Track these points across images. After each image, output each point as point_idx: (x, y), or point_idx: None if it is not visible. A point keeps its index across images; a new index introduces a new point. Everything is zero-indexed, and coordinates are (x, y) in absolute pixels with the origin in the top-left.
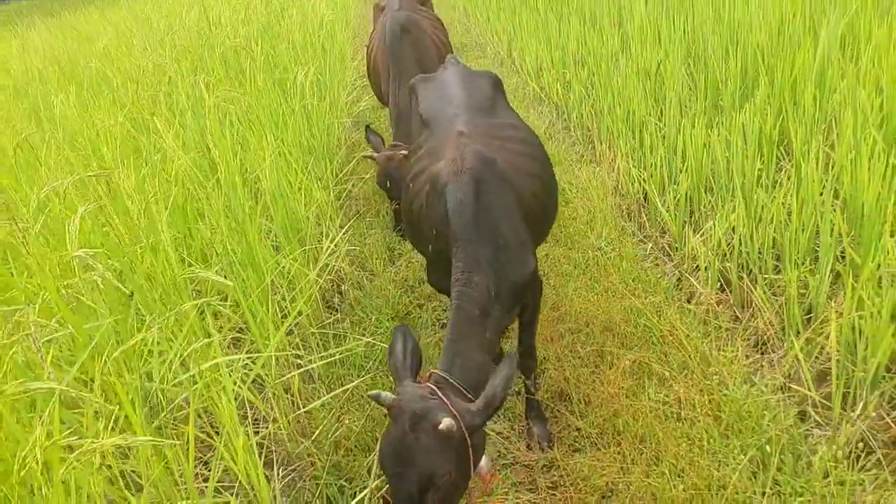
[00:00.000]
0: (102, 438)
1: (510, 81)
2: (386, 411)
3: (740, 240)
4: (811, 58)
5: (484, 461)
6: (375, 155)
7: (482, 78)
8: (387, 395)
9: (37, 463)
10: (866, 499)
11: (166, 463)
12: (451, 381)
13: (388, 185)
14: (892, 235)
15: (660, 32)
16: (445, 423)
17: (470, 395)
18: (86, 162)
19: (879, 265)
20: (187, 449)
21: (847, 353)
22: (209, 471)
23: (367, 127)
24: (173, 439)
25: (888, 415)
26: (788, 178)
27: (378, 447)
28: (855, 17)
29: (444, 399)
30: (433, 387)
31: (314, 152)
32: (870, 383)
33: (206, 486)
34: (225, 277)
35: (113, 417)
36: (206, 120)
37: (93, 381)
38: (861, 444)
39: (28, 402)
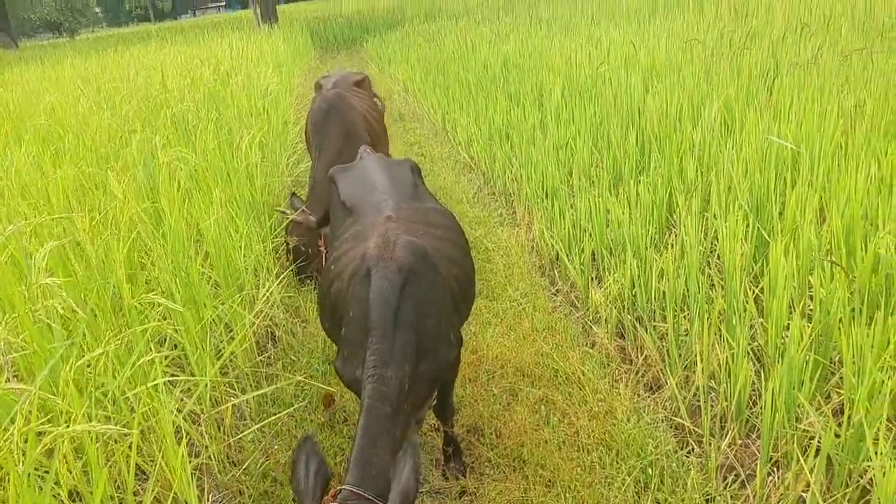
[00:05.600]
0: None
1: (444, 150)
2: None
3: (634, 293)
4: (692, 138)
5: None
6: (287, 212)
7: (402, 165)
8: None
9: (15, 446)
10: None
11: (112, 474)
12: (364, 494)
13: (290, 246)
14: (752, 289)
15: (573, 113)
16: None
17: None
18: (37, 210)
19: (736, 310)
20: (128, 457)
21: (715, 388)
22: (144, 492)
23: (293, 194)
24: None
25: (754, 443)
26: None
27: None
28: (734, 101)
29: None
30: (350, 493)
31: (256, 208)
32: (734, 413)
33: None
34: (165, 319)
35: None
36: (156, 174)
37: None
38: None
39: None
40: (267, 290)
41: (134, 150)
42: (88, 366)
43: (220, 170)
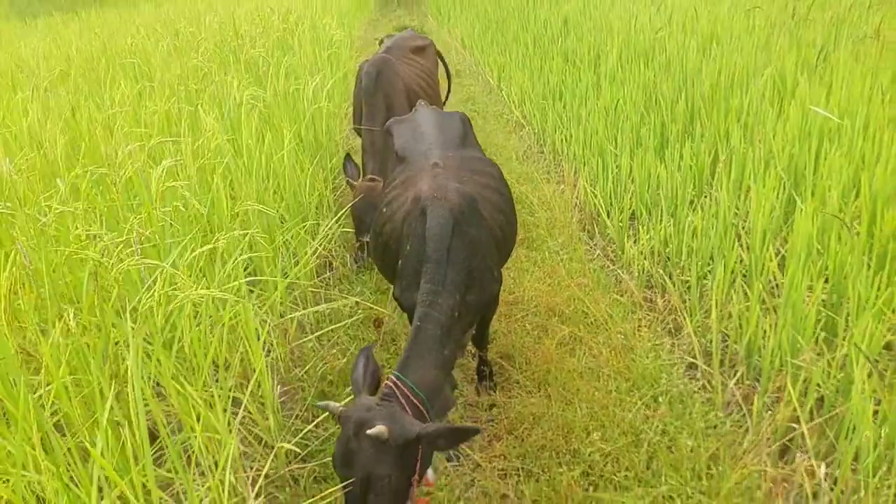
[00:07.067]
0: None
1: (497, 108)
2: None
3: (668, 250)
4: (742, 105)
5: (429, 473)
6: (356, 183)
7: (452, 116)
8: (335, 404)
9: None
10: (730, 440)
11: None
12: (401, 386)
13: (365, 215)
14: (776, 255)
15: (628, 76)
16: (377, 429)
17: (421, 397)
18: (141, 136)
19: (755, 265)
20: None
21: (729, 334)
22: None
23: (347, 156)
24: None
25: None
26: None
27: (334, 450)
28: (788, 72)
29: (397, 398)
30: (391, 385)
31: (321, 149)
32: (743, 357)
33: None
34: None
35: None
36: (235, 112)
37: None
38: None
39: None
40: (327, 227)
41: (217, 88)
42: (192, 262)
43: (289, 111)
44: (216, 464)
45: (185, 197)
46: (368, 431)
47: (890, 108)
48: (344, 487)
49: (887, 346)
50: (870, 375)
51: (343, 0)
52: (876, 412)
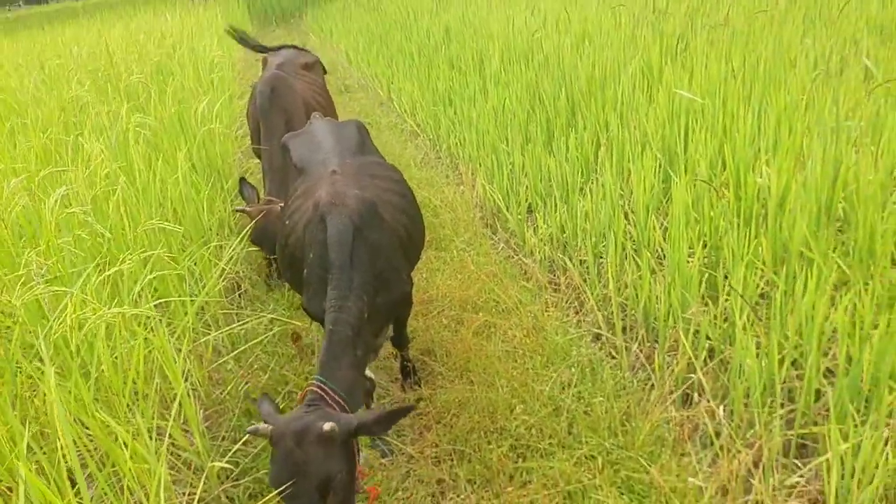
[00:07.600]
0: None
1: (389, 119)
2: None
3: (566, 235)
4: (616, 95)
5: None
6: (249, 209)
7: (348, 125)
8: (263, 426)
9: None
10: (638, 396)
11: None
12: (326, 388)
13: (264, 240)
14: (659, 226)
15: (511, 77)
16: (328, 426)
17: (343, 396)
18: (28, 170)
19: (642, 237)
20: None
21: (627, 302)
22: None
23: (242, 179)
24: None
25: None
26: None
27: (270, 475)
28: (654, 61)
29: (325, 401)
30: (316, 389)
31: (216, 171)
32: (642, 320)
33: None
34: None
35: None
36: (121, 140)
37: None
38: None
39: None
40: (231, 249)
41: (94, 118)
42: (98, 288)
43: (178, 136)
44: (147, 494)
45: (87, 223)
46: (325, 427)
47: (743, 86)
48: (281, 493)
49: (762, 296)
50: (749, 319)
51: (219, 23)
52: (756, 355)
